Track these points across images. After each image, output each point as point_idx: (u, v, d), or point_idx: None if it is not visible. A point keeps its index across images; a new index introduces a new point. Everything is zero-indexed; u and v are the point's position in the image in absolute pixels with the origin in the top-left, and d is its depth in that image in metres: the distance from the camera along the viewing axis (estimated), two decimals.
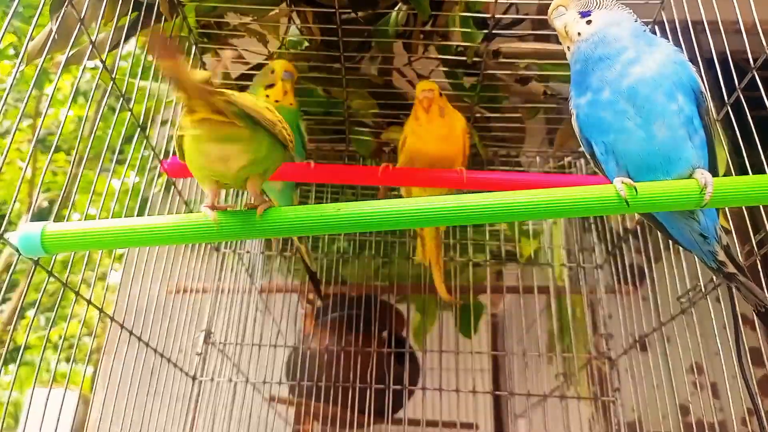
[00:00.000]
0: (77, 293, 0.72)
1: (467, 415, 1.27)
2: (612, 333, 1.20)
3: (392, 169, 0.98)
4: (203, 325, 1.28)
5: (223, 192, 1.35)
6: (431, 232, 1.14)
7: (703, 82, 0.62)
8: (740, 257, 0.68)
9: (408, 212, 0.57)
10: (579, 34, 0.61)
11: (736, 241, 0.73)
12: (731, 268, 0.64)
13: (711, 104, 0.70)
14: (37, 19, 0.65)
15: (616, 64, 0.58)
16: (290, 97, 0.99)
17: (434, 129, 0.98)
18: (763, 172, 0.63)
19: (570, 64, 0.64)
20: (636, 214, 1.06)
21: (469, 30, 1.00)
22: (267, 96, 0.98)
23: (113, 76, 0.78)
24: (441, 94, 1.00)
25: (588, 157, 0.66)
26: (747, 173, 0.64)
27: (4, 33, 0.59)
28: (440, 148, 0.99)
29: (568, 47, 0.63)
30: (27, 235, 0.57)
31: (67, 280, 0.68)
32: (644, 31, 0.62)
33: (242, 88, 1.19)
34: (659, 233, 0.73)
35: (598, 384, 1.25)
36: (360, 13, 1.04)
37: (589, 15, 0.61)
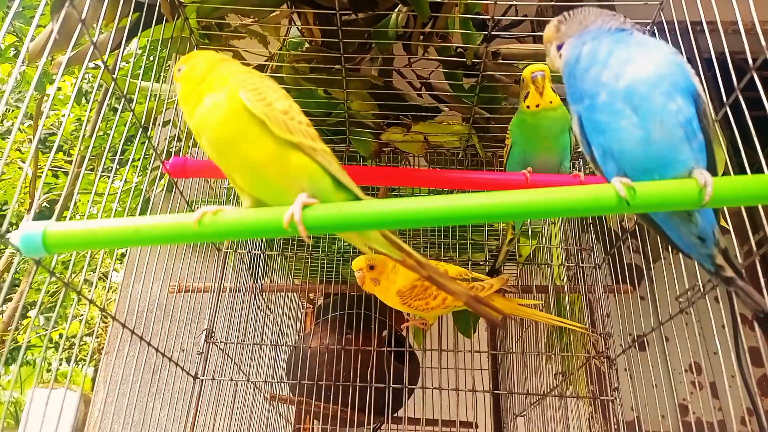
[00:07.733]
0: (79, 293, 0.72)
1: (467, 414, 1.27)
2: (611, 332, 1.20)
3: None
4: (204, 325, 1.28)
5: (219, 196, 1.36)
6: None
7: (702, 83, 0.62)
8: (739, 257, 0.68)
9: (407, 212, 0.57)
10: (560, 67, 0.64)
11: (734, 241, 0.73)
12: (729, 272, 0.63)
13: (710, 106, 0.70)
14: (38, 19, 0.66)
15: (604, 70, 0.58)
16: (548, 95, 0.95)
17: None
18: (762, 172, 0.63)
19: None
20: (634, 216, 1.06)
21: (468, 31, 1.01)
22: (527, 107, 0.96)
23: (115, 76, 0.78)
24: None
25: (588, 158, 0.67)
26: (746, 174, 0.64)
27: (4, 33, 0.59)
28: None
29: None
30: (28, 234, 0.58)
31: (68, 280, 0.69)
32: (631, 33, 0.61)
33: None
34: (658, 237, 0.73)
35: (597, 383, 1.26)
36: (360, 15, 1.04)
37: (561, 48, 0.64)
